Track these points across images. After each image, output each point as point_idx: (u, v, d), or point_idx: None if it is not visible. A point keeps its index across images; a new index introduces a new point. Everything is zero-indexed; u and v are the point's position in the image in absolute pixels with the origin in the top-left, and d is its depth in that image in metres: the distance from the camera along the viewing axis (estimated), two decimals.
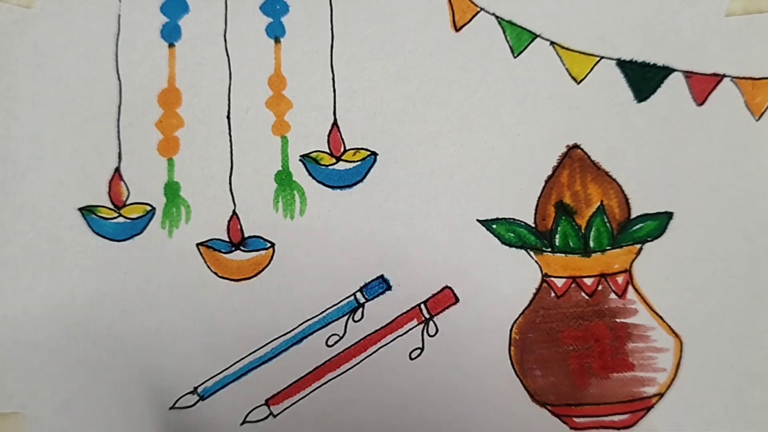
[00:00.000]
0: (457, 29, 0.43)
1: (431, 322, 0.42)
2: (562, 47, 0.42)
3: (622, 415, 0.41)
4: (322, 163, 0.43)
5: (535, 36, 0.42)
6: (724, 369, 0.41)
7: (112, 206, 0.43)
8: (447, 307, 0.42)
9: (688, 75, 0.41)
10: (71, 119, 0.43)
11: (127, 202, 0.43)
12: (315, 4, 0.43)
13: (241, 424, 0.42)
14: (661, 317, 0.41)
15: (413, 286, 0.42)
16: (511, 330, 0.42)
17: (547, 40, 0.42)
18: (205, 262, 0.43)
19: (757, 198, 0.41)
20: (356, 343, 0.42)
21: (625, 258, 0.41)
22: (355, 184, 0.43)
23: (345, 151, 0.43)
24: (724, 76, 0.41)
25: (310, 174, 0.43)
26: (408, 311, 0.42)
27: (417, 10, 0.43)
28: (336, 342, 0.42)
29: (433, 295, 0.42)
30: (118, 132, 0.43)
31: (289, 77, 0.43)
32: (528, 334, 0.42)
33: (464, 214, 0.42)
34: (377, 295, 0.42)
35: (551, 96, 0.42)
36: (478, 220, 0.42)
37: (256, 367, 0.42)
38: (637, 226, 0.41)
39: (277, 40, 0.43)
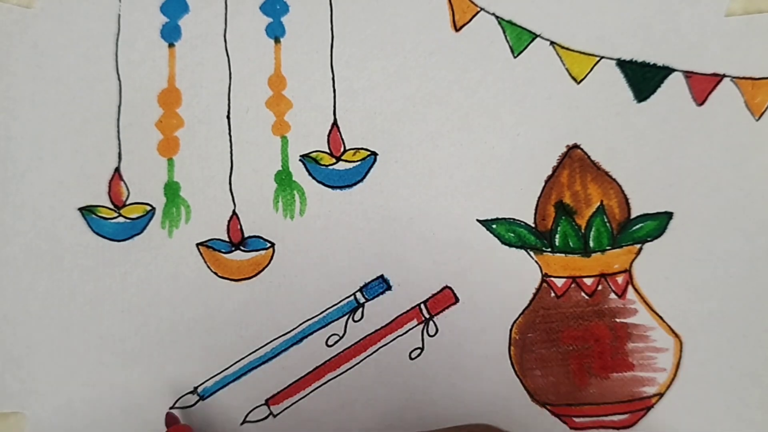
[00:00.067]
0: (457, 29, 0.43)
1: (431, 322, 0.42)
2: (562, 47, 0.42)
3: (622, 415, 0.41)
4: (322, 163, 0.43)
5: (535, 36, 0.42)
6: (724, 369, 0.41)
7: (112, 206, 0.43)
8: (447, 307, 0.42)
9: (688, 75, 0.41)
10: (71, 119, 0.43)
11: (127, 202, 0.43)
12: (315, 4, 0.43)
13: (241, 423, 0.42)
14: (660, 317, 0.41)
15: (413, 286, 0.42)
16: (511, 330, 0.42)
17: (547, 40, 0.42)
18: (205, 262, 0.43)
19: (757, 198, 0.41)
20: (356, 343, 0.42)
21: (625, 258, 0.41)
22: (355, 184, 0.43)
23: (345, 151, 0.43)
24: (724, 76, 0.41)
25: (310, 174, 0.43)
26: (408, 311, 0.42)
27: (417, 10, 0.43)
28: (336, 342, 0.42)
29: (433, 295, 0.42)
30: (118, 132, 0.43)
31: (289, 77, 0.43)
32: (528, 334, 0.42)
33: (464, 214, 0.42)
34: (377, 295, 0.42)
35: (551, 96, 0.42)
36: (478, 220, 0.42)
37: (256, 367, 0.42)
38: (637, 226, 0.41)
39: (277, 40, 0.43)
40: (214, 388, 0.42)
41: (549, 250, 0.42)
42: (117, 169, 0.43)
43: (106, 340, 0.43)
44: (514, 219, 0.42)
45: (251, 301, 0.43)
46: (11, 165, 0.43)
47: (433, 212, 0.42)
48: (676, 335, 0.41)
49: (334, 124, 0.43)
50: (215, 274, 0.43)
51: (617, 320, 0.41)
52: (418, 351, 0.42)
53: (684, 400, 0.41)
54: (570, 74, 0.42)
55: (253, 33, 0.43)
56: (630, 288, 0.41)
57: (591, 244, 0.41)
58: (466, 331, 0.42)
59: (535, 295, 0.42)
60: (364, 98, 0.43)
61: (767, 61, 0.41)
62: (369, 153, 0.43)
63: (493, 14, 0.42)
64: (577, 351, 0.42)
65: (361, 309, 0.42)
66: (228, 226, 0.43)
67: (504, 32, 0.42)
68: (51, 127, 0.43)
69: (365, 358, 0.42)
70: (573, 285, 0.42)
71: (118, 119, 0.43)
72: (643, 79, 0.41)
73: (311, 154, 0.43)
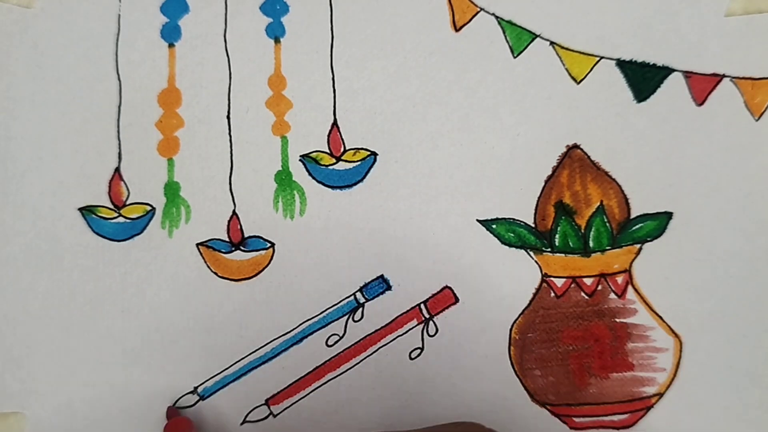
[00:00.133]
0: (457, 29, 0.43)
1: (431, 322, 0.42)
2: (562, 47, 0.42)
3: (622, 415, 0.41)
4: (322, 163, 0.43)
5: (535, 36, 0.42)
6: (723, 369, 0.41)
7: (112, 206, 0.43)
8: (447, 307, 0.42)
9: (688, 75, 0.41)
10: (71, 119, 0.43)
11: (127, 202, 0.43)
12: (315, 4, 0.43)
13: (241, 423, 0.42)
14: (660, 317, 0.41)
15: (413, 286, 0.42)
16: (510, 330, 0.42)
17: (547, 40, 0.42)
18: (205, 262, 0.43)
19: (757, 198, 0.41)
20: (356, 343, 0.42)
21: (625, 258, 0.41)
22: (355, 184, 0.43)
23: (345, 151, 0.43)
24: (723, 76, 0.41)
25: (310, 174, 0.43)
26: (408, 311, 0.42)
27: (417, 10, 0.43)
28: (336, 342, 0.42)
29: (433, 295, 0.42)
30: (118, 132, 0.43)
31: (289, 77, 0.43)
32: (528, 334, 0.42)
33: (464, 214, 0.42)
34: (377, 295, 0.42)
35: (551, 96, 0.42)
36: (478, 220, 0.42)
37: (256, 367, 0.42)
38: (637, 226, 0.41)
39: (277, 40, 0.43)
40: (214, 388, 0.42)
41: (549, 250, 0.42)
42: (117, 169, 0.43)
43: (106, 340, 0.43)
44: (514, 219, 0.42)
45: (251, 301, 0.43)
46: (11, 165, 0.43)
47: (433, 212, 0.42)
48: (676, 335, 0.41)
49: (334, 124, 0.43)
50: (215, 274, 0.43)
51: (617, 320, 0.41)
52: (418, 351, 0.42)
53: (684, 400, 0.41)
54: (570, 74, 0.42)
55: (253, 33, 0.43)
56: (630, 288, 0.41)
57: (591, 244, 0.42)
58: (466, 331, 0.42)
59: (535, 295, 0.42)
60: (364, 98, 0.43)
61: (767, 61, 0.41)
62: (369, 153, 0.43)
63: (493, 14, 0.42)
64: (576, 351, 0.42)
65: (361, 309, 0.42)
66: (228, 226, 0.43)
67: (504, 32, 0.42)
68: (51, 127, 0.43)
69: (365, 358, 0.42)
70: (573, 285, 0.42)
71: (118, 119, 0.43)
72: (643, 79, 0.41)
73: (311, 154, 0.43)
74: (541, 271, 0.42)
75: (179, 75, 0.43)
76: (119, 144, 0.43)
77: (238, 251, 0.43)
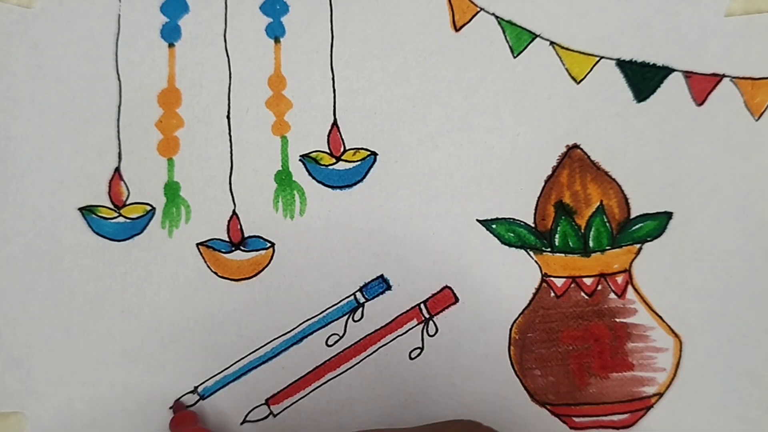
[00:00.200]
0: (457, 29, 0.43)
1: (431, 322, 0.42)
2: (562, 47, 0.42)
3: (622, 415, 0.41)
4: (322, 163, 0.43)
5: (534, 36, 0.42)
6: (723, 369, 0.41)
7: (112, 206, 0.43)
8: (447, 307, 0.42)
9: (688, 75, 0.41)
10: (71, 119, 0.43)
11: (127, 202, 0.43)
12: (315, 4, 0.43)
13: (242, 423, 0.42)
14: (660, 317, 0.41)
15: (413, 286, 0.42)
16: (510, 330, 0.42)
17: (547, 40, 0.42)
18: (205, 261, 0.43)
19: (757, 198, 0.41)
20: (356, 342, 0.42)
21: (625, 258, 0.41)
22: (355, 184, 0.43)
23: (345, 151, 0.43)
24: (723, 76, 0.41)
25: (310, 174, 0.43)
26: (408, 311, 0.42)
27: (417, 10, 0.43)
28: (336, 342, 0.42)
29: (433, 294, 0.42)
30: (118, 132, 0.43)
31: (289, 77, 0.43)
32: (528, 333, 0.42)
33: (464, 214, 0.42)
34: (377, 295, 0.42)
35: (551, 96, 0.42)
36: (478, 220, 0.42)
37: (256, 367, 0.42)
38: (637, 226, 0.41)
39: (277, 40, 0.43)
40: (214, 387, 0.42)
41: (549, 250, 0.42)
42: (117, 169, 0.43)
43: (106, 340, 0.43)
44: (513, 219, 0.42)
45: (251, 301, 0.43)
46: (11, 165, 0.43)
47: (433, 212, 0.42)
48: (676, 335, 0.41)
49: (334, 124, 0.43)
50: (215, 273, 0.43)
51: (617, 320, 0.41)
52: (418, 351, 0.42)
53: (684, 400, 0.41)
54: (570, 74, 0.42)
55: (253, 33, 0.43)
56: (630, 288, 0.41)
57: (591, 244, 0.42)
58: (466, 331, 0.42)
59: (534, 295, 0.42)
60: (364, 98, 0.43)
61: (767, 61, 0.41)
62: (369, 153, 0.43)
63: (493, 14, 0.42)
64: (576, 351, 0.42)
65: (361, 309, 0.42)
66: (228, 226, 0.43)
67: (504, 32, 0.42)
68: (51, 127, 0.43)
69: (365, 357, 0.42)
70: (573, 285, 0.42)
71: (118, 119, 0.43)
72: (643, 79, 0.41)
73: (311, 154, 0.43)
74: (541, 271, 0.42)
75: (179, 75, 0.43)
76: (119, 144, 0.43)
77: (238, 251, 0.43)
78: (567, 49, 0.42)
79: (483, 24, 0.42)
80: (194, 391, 0.42)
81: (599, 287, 0.42)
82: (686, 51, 0.41)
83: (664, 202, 0.41)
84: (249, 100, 0.43)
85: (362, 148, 0.43)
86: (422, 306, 0.42)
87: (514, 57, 0.42)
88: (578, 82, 0.42)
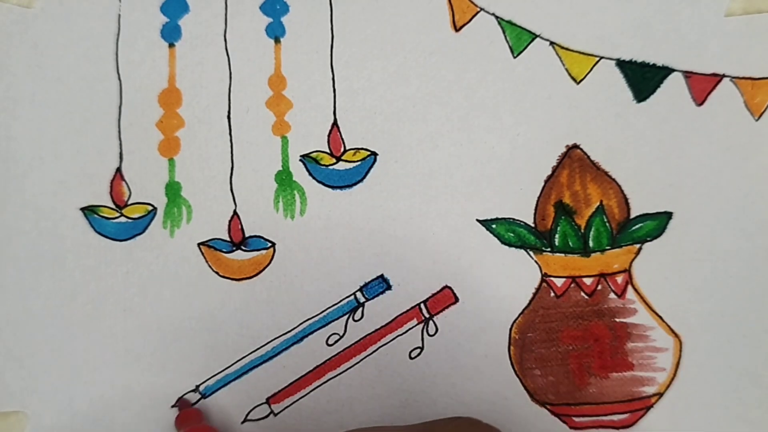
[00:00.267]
0: (457, 29, 0.43)
1: (431, 322, 0.42)
2: (562, 47, 0.42)
3: (622, 415, 0.41)
4: (322, 163, 0.43)
5: (534, 36, 0.42)
6: (723, 369, 0.41)
7: (113, 206, 0.43)
8: (447, 307, 0.42)
9: (688, 75, 0.41)
10: (72, 119, 0.43)
11: (129, 202, 0.43)
12: (315, 4, 0.43)
13: (242, 422, 0.42)
14: (660, 317, 0.41)
15: (413, 286, 0.42)
16: (510, 330, 0.42)
17: (547, 40, 0.42)
18: (206, 261, 0.43)
19: (757, 198, 0.41)
20: (356, 342, 0.42)
21: (625, 258, 0.41)
22: (355, 184, 0.43)
23: (345, 151, 0.43)
24: (723, 76, 0.41)
25: (310, 174, 0.43)
26: (408, 311, 0.42)
27: (417, 10, 0.43)
28: (336, 341, 0.42)
29: (433, 294, 0.42)
30: (119, 132, 0.43)
31: (289, 77, 0.43)
32: (527, 333, 0.42)
33: (464, 214, 0.42)
34: (377, 295, 0.42)
35: (551, 96, 0.42)
36: (478, 220, 0.42)
37: (256, 366, 0.43)
38: (637, 226, 0.41)
39: (277, 40, 0.43)
40: (215, 386, 0.43)
41: (549, 249, 0.42)
42: (118, 169, 0.43)
43: (108, 339, 0.43)
44: (513, 219, 0.42)
45: (252, 301, 0.43)
46: (12, 165, 0.43)
47: (433, 212, 0.42)
48: (676, 335, 0.41)
49: (334, 124, 0.43)
50: (216, 273, 0.43)
51: (617, 320, 0.41)
52: (418, 351, 0.42)
53: (684, 400, 0.41)
54: (570, 74, 0.42)
55: (253, 33, 0.43)
56: (629, 288, 0.41)
57: (590, 244, 0.42)
58: (466, 331, 0.42)
59: (534, 294, 0.42)
60: (364, 98, 0.43)
61: (767, 61, 0.41)
62: (369, 153, 0.43)
63: (493, 14, 0.42)
64: (576, 351, 0.42)
65: (361, 308, 0.42)
66: (229, 225, 0.43)
67: (504, 32, 0.42)
68: (52, 128, 0.43)
69: (365, 357, 0.42)
70: (572, 285, 0.42)
71: (119, 119, 0.43)
72: (643, 79, 0.41)
73: (311, 154, 0.43)
74: (541, 271, 0.42)
75: (179, 75, 0.43)
76: (120, 144, 0.43)
77: (239, 251, 0.43)
78: (567, 49, 0.42)
79: (483, 24, 0.42)
80: (195, 389, 0.43)
81: (599, 287, 0.42)
82: (686, 51, 0.41)
83: (664, 202, 0.41)
84: (249, 100, 0.43)
85: (362, 148, 0.43)
86: (422, 306, 0.42)
87: (514, 57, 0.42)
88: (578, 82, 0.42)
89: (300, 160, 0.43)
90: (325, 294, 0.43)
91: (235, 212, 0.43)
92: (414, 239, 0.42)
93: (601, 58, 0.42)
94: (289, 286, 0.43)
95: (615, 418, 0.41)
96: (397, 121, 0.43)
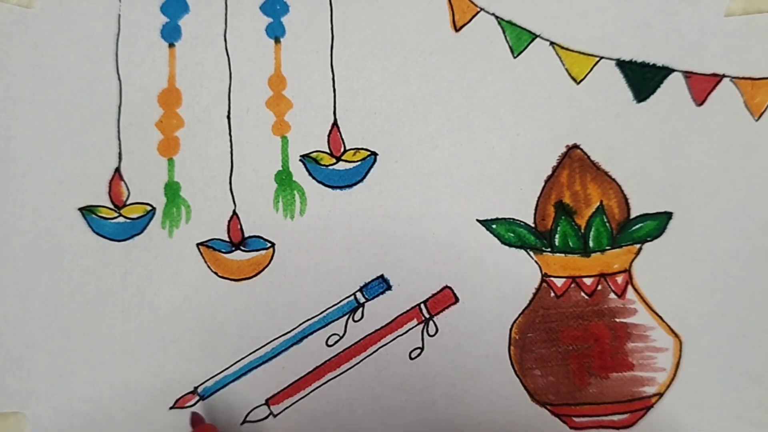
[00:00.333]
0: (457, 29, 0.43)
1: (431, 322, 0.42)
2: (562, 47, 0.42)
3: (622, 415, 0.41)
4: (322, 163, 0.43)
5: (534, 36, 0.42)
6: (723, 369, 0.41)
7: (112, 206, 0.43)
8: (447, 307, 0.42)
9: (688, 75, 0.41)
10: (71, 119, 0.43)
11: (128, 202, 0.43)
12: (315, 4, 0.43)
13: (242, 423, 0.42)
14: (660, 317, 0.41)
15: (413, 286, 0.42)
16: (510, 330, 0.42)
17: (547, 40, 0.42)
18: (206, 262, 0.43)
19: (757, 198, 0.41)
20: (356, 342, 0.42)
21: (625, 258, 0.41)
22: (355, 184, 0.43)
23: (345, 151, 0.43)
24: (723, 76, 0.41)
25: (310, 174, 0.43)
26: (408, 311, 0.42)
27: (417, 10, 0.43)
28: (336, 342, 0.42)
29: (433, 294, 0.42)
30: (119, 132, 0.43)
31: (289, 77, 0.43)
32: (528, 333, 0.42)
33: (464, 214, 0.42)
34: (377, 295, 0.42)
35: (551, 96, 0.42)
36: (478, 220, 0.42)
37: (256, 367, 0.42)
38: (637, 226, 0.41)
39: (277, 40, 0.43)
40: (214, 387, 0.42)
41: (549, 250, 0.42)
42: (117, 169, 0.43)
43: (107, 340, 0.43)
44: (513, 219, 0.42)
45: (251, 301, 0.43)
46: (11, 165, 0.43)
47: (433, 212, 0.42)
48: (676, 335, 0.41)
49: (334, 124, 0.43)
50: (215, 274, 0.43)
51: (617, 320, 0.41)
52: (418, 351, 0.42)
53: (684, 400, 0.41)
54: (570, 74, 0.42)
55: (253, 33, 0.43)
56: (630, 288, 0.41)
57: (591, 244, 0.42)
58: (466, 331, 0.42)
59: (534, 295, 0.42)
60: (364, 98, 0.43)
61: (767, 61, 0.41)
62: (369, 153, 0.43)
63: (493, 14, 0.42)
64: (576, 351, 0.42)
65: (361, 309, 0.42)
66: (228, 226, 0.43)
67: (504, 32, 0.42)
68: (51, 127, 0.43)
69: (365, 358, 0.42)
70: (573, 285, 0.42)
71: (119, 119, 0.43)
72: (643, 79, 0.41)
73: (311, 154, 0.43)
74: (541, 271, 0.42)
75: (179, 75, 0.44)
76: (119, 144, 0.43)
77: (239, 251, 0.43)
78: (567, 49, 0.42)
79: (483, 24, 0.42)
80: (194, 391, 0.42)
81: (599, 287, 0.42)
82: (686, 51, 0.41)
83: (664, 202, 0.41)
84: (249, 100, 0.43)
85: (362, 148, 0.43)
86: (422, 306, 0.42)
87: (514, 57, 0.42)
88: (578, 82, 0.42)
89: (300, 160, 0.43)
90: (325, 294, 0.42)
91: (234, 212, 0.43)
92: (414, 239, 0.42)
93: (601, 58, 0.42)
94: (289, 287, 0.43)
95: (615, 418, 0.41)
96: (397, 121, 0.43)
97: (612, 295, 0.41)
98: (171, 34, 0.44)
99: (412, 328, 0.42)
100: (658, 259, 0.41)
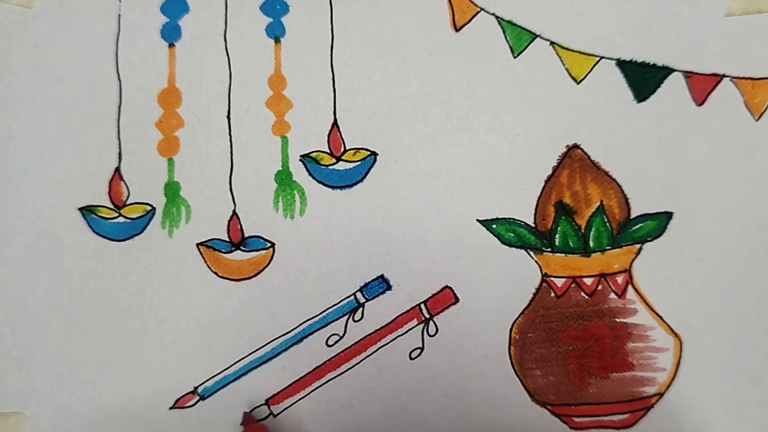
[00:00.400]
0: (457, 29, 0.43)
1: (431, 322, 0.42)
2: (562, 47, 0.42)
3: (622, 415, 0.41)
4: (322, 163, 0.43)
5: (535, 36, 0.42)
6: (723, 369, 0.41)
7: (112, 206, 0.43)
8: (447, 307, 0.42)
9: (688, 75, 0.41)
10: (71, 119, 0.43)
11: (128, 202, 0.43)
12: (315, 4, 0.43)
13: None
14: (660, 317, 0.41)
15: (413, 286, 0.42)
16: (511, 330, 0.42)
17: (547, 40, 0.42)
18: (206, 262, 0.43)
19: (757, 198, 0.41)
20: (356, 342, 0.42)
21: (625, 258, 0.41)
22: (355, 184, 0.43)
23: (345, 151, 0.43)
24: (723, 76, 0.41)
25: (310, 174, 0.43)
26: (408, 311, 0.42)
27: (417, 10, 0.43)
28: (336, 342, 0.42)
29: (433, 295, 0.42)
30: (118, 132, 0.43)
31: (289, 77, 0.43)
32: (528, 333, 0.42)
33: (464, 214, 0.42)
34: (377, 295, 0.42)
35: (551, 96, 0.42)
36: (478, 220, 0.42)
37: (256, 367, 0.42)
38: (637, 226, 0.41)
39: (277, 40, 0.43)
40: (214, 387, 0.42)
41: (549, 250, 0.42)
42: (117, 169, 0.43)
43: (106, 340, 0.43)
44: (514, 219, 0.42)
45: (251, 301, 0.43)
46: (11, 165, 0.43)
47: (433, 212, 0.42)
48: (676, 335, 0.41)
49: (334, 124, 0.43)
50: (215, 274, 0.43)
51: (617, 320, 0.41)
52: (418, 351, 0.42)
53: (684, 399, 0.41)
54: (570, 74, 0.42)
55: (253, 33, 0.43)
56: (630, 288, 0.41)
57: (591, 244, 0.42)
58: (466, 331, 0.42)
59: (535, 295, 0.42)
60: (364, 98, 0.43)
61: (767, 61, 0.41)
62: (369, 153, 0.43)
63: (493, 14, 0.42)
64: (577, 351, 0.42)
65: (361, 309, 0.42)
66: (228, 226, 0.43)
67: (504, 32, 0.42)
68: (51, 127, 0.43)
69: (365, 358, 0.42)
70: (573, 285, 0.42)
71: (118, 119, 0.43)
72: (643, 79, 0.41)
73: (311, 154, 0.43)
74: (541, 271, 0.42)
75: (179, 75, 0.44)
76: (119, 144, 0.43)
77: (239, 251, 0.43)
78: (567, 49, 0.42)
79: (483, 24, 0.42)
80: (194, 391, 0.42)
81: (599, 287, 0.42)
82: (686, 51, 0.41)
83: (664, 202, 0.41)
84: (249, 100, 0.43)
85: (362, 148, 0.43)
86: (422, 306, 0.42)
87: (514, 57, 0.42)
88: (578, 82, 0.42)
89: (300, 160, 0.43)
90: (325, 294, 0.42)
91: (234, 212, 0.43)
92: (414, 239, 0.42)
93: (601, 58, 0.42)
94: (289, 287, 0.43)
95: (615, 418, 0.41)
96: (397, 121, 0.43)
97: (612, 295, 0.41)
98: (171, 34, 0.44)
99: (412, 328, 0.42)
100: (658, 259, 0.41)
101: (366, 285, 0.42)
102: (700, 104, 0.41)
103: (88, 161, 0.43)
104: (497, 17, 0.42)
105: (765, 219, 0.41)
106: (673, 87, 0.41)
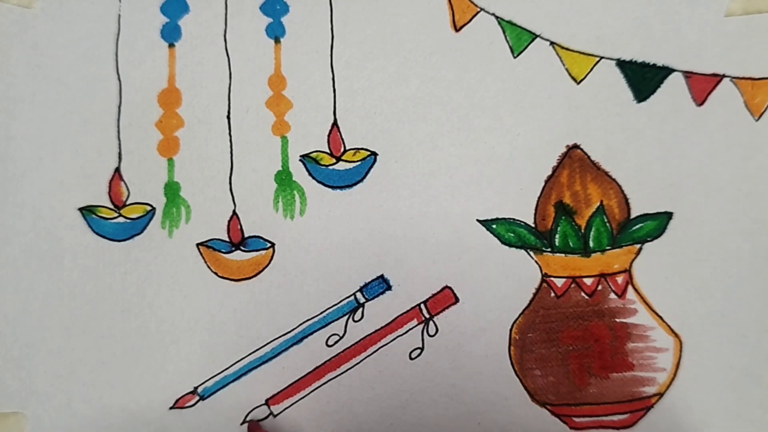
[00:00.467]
0: (457, 29, 0.43)
1: (431, 322, 0.42)
2: (562, 47, 0.42)
3: (622, 415, 0.41)
4: (322, 163, 0.43)
5: (535, 36, 0.42)
6: (723, 369, 0.41)
7: (112, 206, 0.43)
8: (447, 307, 0.42)
9: (688, 75, 0.41)
10: (71, 119, 0.43)
11: (127, 202, 0.43)
12: (315, 4, 0.43)
13: (242, 423, 0.42)
14: (660, 317, 0.41)
15: (413, 286, 0.42)
16: (510, 330, 0.42)
17: (547, 40, 0.42)
18: (205, 262, 0.43)
19: (757, 198, 0.41)
20: (356, 343, 0.42)
21: (625, 258, 0.41)
22: (355, 184, 0.43)
23: (345, 151, 0.43)
24: (723, 76, 0.41)
25: (310, 174, 0.43)
26: (408, 311, 0.42)
27: (417, 10, 0.43)
28: (336, 342, 0.42)
29: (433, 295, 0.42)
30: (118, 132, 0.43)
31: (289, 77, 0.43)
32: (528, 333, 0.42)
33: (464, 214, 0.42)
34: (377, 295, 0.42)
35: (551, 96, 0.42)
36: (478, 220, 0.42)
37: (256, 367, 0.42)
38: (637, 226, 0.41)
39: (277, 40, 0.43)
40: (214, 388, 0.42)
41: (549, 250, 0.42)
42: (117, 169, 0.43)
43: (106, 340, 0.43)
44: (514, 219, 0.42)
45: (251, 301, 0.43)
46: (11, 165, 0.43)
47: (433, 212, 0.42)
48: (676, 335, 0.41)
49: (334, 124, 0.43)
50: (215, 274, 0.43)
51: (617, 320, 0.41)
52: (418, 351, 0.42)
53: (684, 400, 0.41)
54: (570, 74, 0.42)
55: (253, 33, 0.43)
56: (630, 288, 0.41)
57: (591, 244, 0.42)
58: (466, 331, 0.42)
59: (535, 295, 0.42)
60: (364, 98, 0.43)
61: (767, 61, 0.41)
62: (369, 153, 0.43)
63: (493, 14, 0.42)
64: (576, 351, 0.42)
65: (361, 309, 0.42)
66: (228, 226, 0.43)
67: (504, 32, 0.42)
68: (51, 127, 0.43)
69: (365, 358, 0.42)
70: (573, 285, 0.42)
71: (118, 119, 0.43)
72: (643, 79, 0.41)
73: (311, 154, 0.43)
74: (541, 271, 0.42)
75: (179, 75, 0.43)
76: (119, 144, 0.43)
77: (239, 251, 0.43)
78: (567, 49, 0.42)
79: (483, 24, 0.42)
80: (194, 391, 0.42)
81: (599, 287, 0.42)
82: (686, 51, 0.41)
83: (664, 202, 0.41)
84: (249, 100, 0.43)
85: (362, 148, 0.43)
86: (422, 306, 0.42)
87: (514, 57, 0.42)
88: (578, 82, 0.42)
89: (300, 160, 0.43)
90: (325, 294, 0.42)
91: (234, 212, 0.43)
92: (414, 239, 0.42)
93: (601, 58, 0.42)
94: (289, 287, 0.43)
95: (615, 418, 0.41)
96: (397, 121, 0.43)
97: (612, 295, 0.41)
98: (171, 34, 0.44)
99: (412, 328, 0.42)
100: (658, 259, 0.41)
101: (366, 285, 0.42)
102: (700, 104, 0.41)
103: (88, 161, 0.43)
104: (497, 17, 0.42)
105: (765, 219, 0.41)
106: (673, 87, 0.41)
